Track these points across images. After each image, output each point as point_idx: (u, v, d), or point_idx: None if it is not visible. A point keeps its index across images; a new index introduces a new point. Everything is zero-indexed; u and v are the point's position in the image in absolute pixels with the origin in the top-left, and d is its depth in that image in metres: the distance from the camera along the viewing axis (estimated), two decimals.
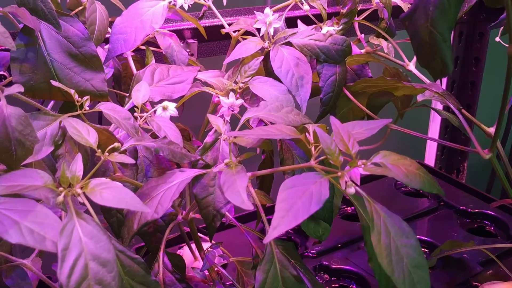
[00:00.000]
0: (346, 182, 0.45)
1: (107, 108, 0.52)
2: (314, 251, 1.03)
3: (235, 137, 0.48)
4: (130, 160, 0.44)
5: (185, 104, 0.67)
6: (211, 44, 0.91)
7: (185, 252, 0.86)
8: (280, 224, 0.41)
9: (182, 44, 0.98)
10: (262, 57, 0.59)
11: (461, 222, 1.12)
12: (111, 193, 0.40)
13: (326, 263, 0.99)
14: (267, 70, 0.62)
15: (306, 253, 1.02)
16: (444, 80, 1.29)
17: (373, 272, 0.48)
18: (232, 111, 0.55)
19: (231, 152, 0.50)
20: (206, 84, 0.63)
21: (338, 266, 0.98)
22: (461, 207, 1.15)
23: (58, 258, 0.37)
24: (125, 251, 0.46)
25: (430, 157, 1.39)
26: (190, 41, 0.88)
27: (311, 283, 0.66)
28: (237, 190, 0.44)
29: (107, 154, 0.46)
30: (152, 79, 0.62)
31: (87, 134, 0.47)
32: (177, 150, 0.49)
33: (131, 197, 0.41)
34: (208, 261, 0.65)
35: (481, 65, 1.27)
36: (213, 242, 0.72)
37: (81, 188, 0.42)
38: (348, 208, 1.18)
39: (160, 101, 0.61)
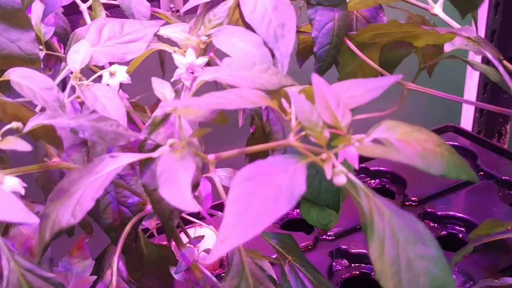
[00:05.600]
0: (333, 168, 0.31)
1: (20, 75, 0.39)
2: (331, 233, 0.90)
3: (175, 109, 0.35)
4: (26, 147, 0.32)
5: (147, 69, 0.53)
6: None
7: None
8: (229, 236, 0.28)
9: None
10: (232, 0, 0.45)
11: (503, 194, 0.98)
12: None
13: (345, 247, 0.87)
14: (243, 19, 0.48)
15: (322, 236, 0.90)
16: (483, 29, 1.11)
17: None
18: (192, 73, 0.42)
19: (181, 128, 0.37)
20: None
21: (358, 251, 0.86)
22: (503, 177, 1.00)
23: None
24: (34, 270, 0.33)
25: (467, 120, 1.22)
26: None
27: (313, 284, 0.54)
28: (178, 185, 0.31)
29: (0, 138, 0.33)
30: (100, 38, 0.49)
31: None
32: (107, 129, 0.36)
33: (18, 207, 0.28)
34: (185, 260, 0.53)
35: None
36: (197, 236, 0.60)
37: None
38: (372, 181, 1.05)
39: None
